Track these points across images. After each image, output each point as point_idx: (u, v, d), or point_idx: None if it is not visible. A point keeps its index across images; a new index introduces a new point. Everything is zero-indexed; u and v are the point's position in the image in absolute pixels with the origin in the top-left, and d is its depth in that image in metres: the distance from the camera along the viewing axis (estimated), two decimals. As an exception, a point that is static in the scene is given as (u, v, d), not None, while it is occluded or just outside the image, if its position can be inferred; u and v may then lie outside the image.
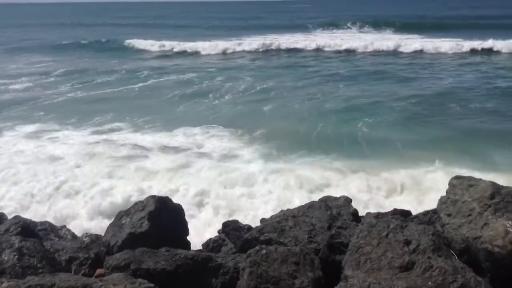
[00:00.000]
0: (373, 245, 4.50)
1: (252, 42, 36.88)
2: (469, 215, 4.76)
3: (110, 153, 11.93)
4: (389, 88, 20.15)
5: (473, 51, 30.90)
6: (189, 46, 36.28)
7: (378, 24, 54.64)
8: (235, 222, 6.65)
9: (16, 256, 4.96)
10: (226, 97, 18.80)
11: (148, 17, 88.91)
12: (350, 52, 33.00)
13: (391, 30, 50.65)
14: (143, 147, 12.41)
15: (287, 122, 14.94)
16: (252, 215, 8.47)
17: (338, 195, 6.40)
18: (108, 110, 16.60)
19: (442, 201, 5.21)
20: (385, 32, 50.31)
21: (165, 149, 12.31)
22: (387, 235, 4.55)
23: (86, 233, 6.75)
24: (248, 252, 4.72)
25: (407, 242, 4.41)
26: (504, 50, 30.10)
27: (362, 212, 6.47)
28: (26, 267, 4.88)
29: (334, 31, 55.10)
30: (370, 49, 32.95)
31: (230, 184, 9.95)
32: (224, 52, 34.81)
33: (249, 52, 34.65)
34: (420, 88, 19.98)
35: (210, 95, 19.05)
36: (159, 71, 26.36)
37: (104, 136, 13.48)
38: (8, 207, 8.94)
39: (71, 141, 13.09)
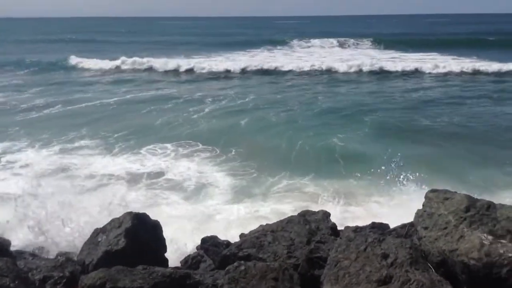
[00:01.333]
0: (351, 259, 4.51)
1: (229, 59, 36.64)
2: (445, 228, 4.82)
3: (68, 186, 10.25)
4: (360, 101, 20.57)
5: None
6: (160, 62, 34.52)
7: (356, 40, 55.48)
8: (214, 237, 6.60)
9: (-13, 277, 4.80)
10: (197, 114, 18.50)
11: (122, 34, 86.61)
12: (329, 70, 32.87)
13: (369, 45, 51.53)
14: (109, 176, 11.32)
15: (264, 138, 14.84)
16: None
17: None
18: (83, 125, 16.33)
19: (418, 214, 5.27)
20: (363, 47, 51.16)
21: (131, 178, 11.25)
22: (365, 249, 4.57)
23: (61, 252, 6.60)
24: (227, 268, 4.68)
25: (385, 256, 4.44)
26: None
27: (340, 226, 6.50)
28: (-3, 288, 4.73)
29: (310, 41, 55.53)
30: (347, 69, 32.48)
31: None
32: (177, 70, 33.15)
33: (223, 72, 32.41)
34: (390, 102, 20.46)
35: (179, 112, 18.72)
36: (131, 85, 26.20)
37: (68, 161, 12.47)
38: None
39: (25, 171, 11.68)
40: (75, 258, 6.14)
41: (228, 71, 32.46)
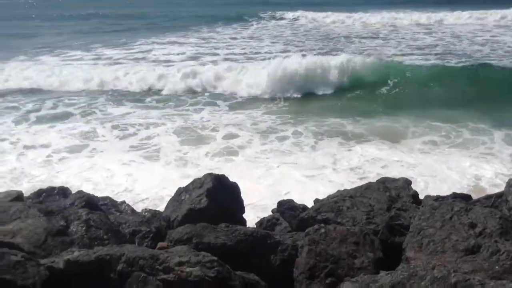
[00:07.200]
0: (436, 227, 4.42)
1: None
2: (540, 198, 4.58)
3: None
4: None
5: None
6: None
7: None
8: (290, 201, 6.67)
9: (84, 228, 5.19)
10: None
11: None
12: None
13: None
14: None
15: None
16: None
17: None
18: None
19: (510, 184, 5.03)
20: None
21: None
22: (451, 218, 4.45)
23: (146, 209, 6.98)
24: (307, 230, 4.74)
25: (473, 225, 4.30)
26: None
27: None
28: (93, 238, 5.11)
29: None
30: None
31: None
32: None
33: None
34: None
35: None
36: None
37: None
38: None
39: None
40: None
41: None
